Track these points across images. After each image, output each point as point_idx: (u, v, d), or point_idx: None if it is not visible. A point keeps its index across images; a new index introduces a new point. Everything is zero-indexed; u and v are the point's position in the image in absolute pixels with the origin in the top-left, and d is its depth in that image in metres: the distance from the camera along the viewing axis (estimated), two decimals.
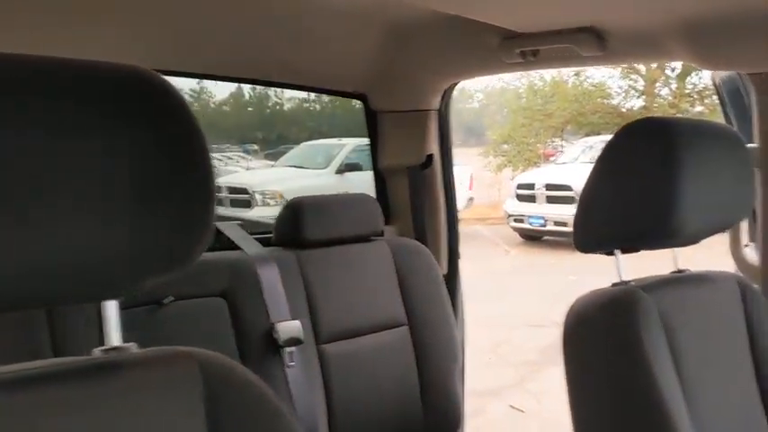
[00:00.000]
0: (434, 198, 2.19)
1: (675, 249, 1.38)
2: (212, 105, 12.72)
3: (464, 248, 2.30)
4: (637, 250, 1.27)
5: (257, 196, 8.75)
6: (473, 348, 2.35)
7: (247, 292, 1.65)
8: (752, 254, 1.67)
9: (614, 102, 13.50)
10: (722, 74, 1.74)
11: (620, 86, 13.39)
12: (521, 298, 6.51)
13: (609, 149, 1.23)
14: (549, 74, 13.74)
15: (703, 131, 1.26)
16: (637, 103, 13.31)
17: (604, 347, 1.18)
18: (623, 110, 13.16)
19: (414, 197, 2.17)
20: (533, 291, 6.66)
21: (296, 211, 1.82)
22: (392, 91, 2.08)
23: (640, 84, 13.11)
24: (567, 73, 13.56)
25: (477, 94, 19.20)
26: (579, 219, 1.27)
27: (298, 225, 1.80)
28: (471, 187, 11.64)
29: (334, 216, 1.86)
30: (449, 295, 2.06)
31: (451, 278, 2.24)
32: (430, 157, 2.13)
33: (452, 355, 1.98)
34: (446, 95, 2.09)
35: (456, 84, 2.07)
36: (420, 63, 1.93)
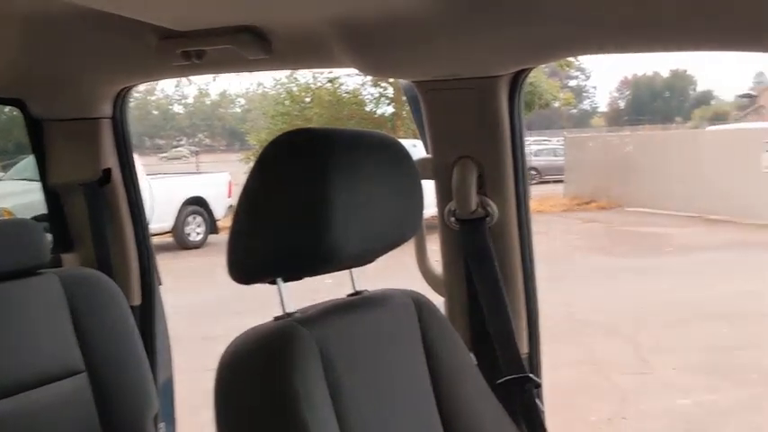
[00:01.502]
0: (118, 219, 1.93)
1: (355, 270, 1.29)
2: None
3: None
4: (301, 278, 1.13)
5: None
6: None
7: None
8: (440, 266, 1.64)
9: (367, 108, 14.08)
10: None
11: (372, 94, 14.01)
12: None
13: (258, 166, 1.08)
14: (304, 79, 13.98)
15: (362, 143, 1.16)
16: (388, 110, 14.03)
17: (256, 399, 1.01)
18: (375, 116, 13.77)
19: (93, 219, 1.88)
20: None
21: None
22: (54, 96, 1.79)
23: (390, 91, 13.81)
24: (322, 80, 13.87)
25: (239, 99, 18.98)
26: (232, 245, 1.09)
27: None
28: (230, 194, 11.36)
29: None
30: (143, 330, 1.82)
31: (147, 310, 1.99)
32: (108, 171, 1.86)
33: (145, 398, 1.74)
34: (120, 101, 1.84)
35: (130, 88, 1.83)
36: (78, 65, 1.66)
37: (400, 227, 1.19)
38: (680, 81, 52.50)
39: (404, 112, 13.61)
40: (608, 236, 11.34)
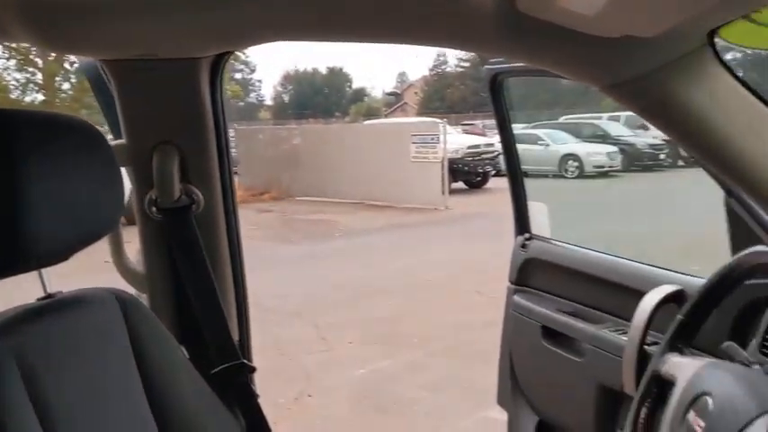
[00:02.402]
0: None
1: (45, 270, 1.13)
2: None
3: None
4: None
5: None
6: None
7: None
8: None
9: (13, 96, 12.41)
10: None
11: (17, 79, 12.41)
12: None
13: None
14: None
15: (53, 125, 1.02)
16: (38, 97, 12.56)
17: None
18: (23, 103, 12.21)
19: None
20: None
21: None
22: None
23: (39, 77, 12.39)
24: None
25: None
26: None
27: None
28: None
29: None
30: None
31: None
32: None
33: None
34: None
35: None
36: None
37: (98, 219, 1.08)
38: (337, 78, 56.72)
39: (57, 101, 12.34)
40: (284, 225, 11.79)
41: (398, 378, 4.54)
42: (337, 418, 3.96)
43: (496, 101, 2.16)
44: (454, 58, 45.88)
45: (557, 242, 2.11)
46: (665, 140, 15.15)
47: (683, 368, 0.93)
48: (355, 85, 58.02)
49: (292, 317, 6.01)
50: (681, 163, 15.24)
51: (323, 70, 56.36)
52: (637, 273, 1.74)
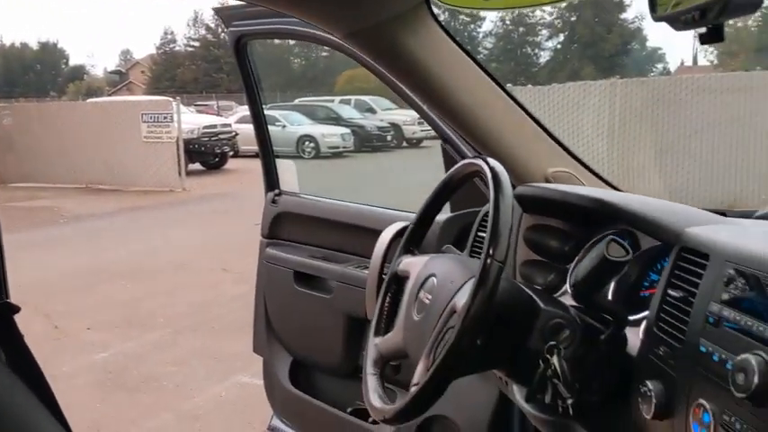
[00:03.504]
0: None
1: None
2: None
3: None
4: None
5: None
6: None
7: None
8: None
9: None
10: None
11: None
12: None
13: None
14: None
15: None
16: None
17: None
18: None
19: None
20: None
21: None
22: None
23: None
24: None
25: None
26: None
27: None
28: None
29: None
30: None
31: None
32: None
33: None
34: None
35: None
36: None
37: None
38: (51, 54, 51.34)
39: None
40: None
41: (145, 357, 4.42)
42: (79, 404, 3.75)
43: (242, 64, 2.24)
44: (183, 37, 44.30)
45: (305, 195, 2.29)
46: (390, 123, 16.48)
47: (414, 264, 1.15)
48: (73, 61, 53.07)
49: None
50: (405, 144, 16.71)
51: (34, 45, 50.58)
52: (373, 215, 1.99)
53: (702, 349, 0.82)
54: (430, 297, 1.04)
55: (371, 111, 17.86)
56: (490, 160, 1.02)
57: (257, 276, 2.34)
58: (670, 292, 0.92)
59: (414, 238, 1.23)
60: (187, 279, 6.35)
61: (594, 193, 1.20)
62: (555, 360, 0.94)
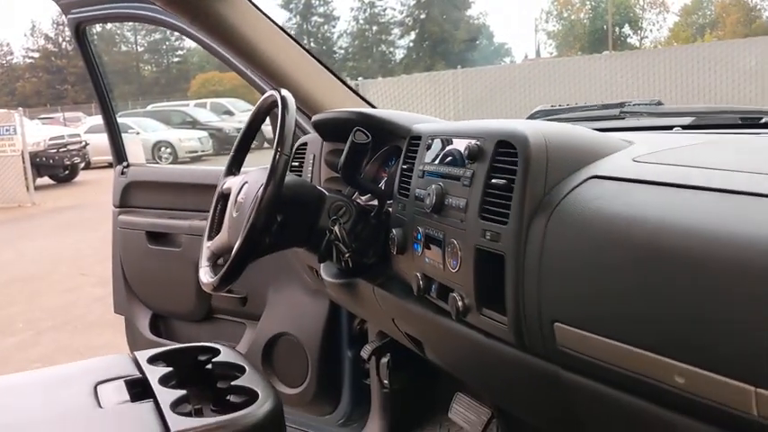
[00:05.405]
0: None
1: None
2: None
3: None
4: None
5: None
6: None
7: None
8: None
9: None
10: None
11: None
12: None
13: None
14: None
15: None
16: None
17: None
18: None
19: None
20: None
21: None
22: None
23: None
24: None
25: None
26: None
27: None
28: None
29: None
30: None
31: None
32: None
33: None
34: None
35: None
36: None
37: None
38: None
39: None
40: None
41: (8, 358, 4.38)
42: None
43: (83, 49, 2.42)
44: (21, 48, 41.38)
45: (150, 165, 2.52)
46: None
47: (235, 181, 1.44)
48: None
49: None
50: (266, 145, 16.83)
51: None
52: (211, 174, 2.27)
53: (417, 193, 1.21)
54: (243, 197, 1.34)
55: (229, 113, 17.80)
56: (282, 90, 1.34)
57: (113, 244, 2.54)
58: (403, 166, 1.31)
59: (234, 162, 1.53)
60: (45, 286, 6.22)
61: (361, 110, 1.53)
62: (336, 229, 1.28)
